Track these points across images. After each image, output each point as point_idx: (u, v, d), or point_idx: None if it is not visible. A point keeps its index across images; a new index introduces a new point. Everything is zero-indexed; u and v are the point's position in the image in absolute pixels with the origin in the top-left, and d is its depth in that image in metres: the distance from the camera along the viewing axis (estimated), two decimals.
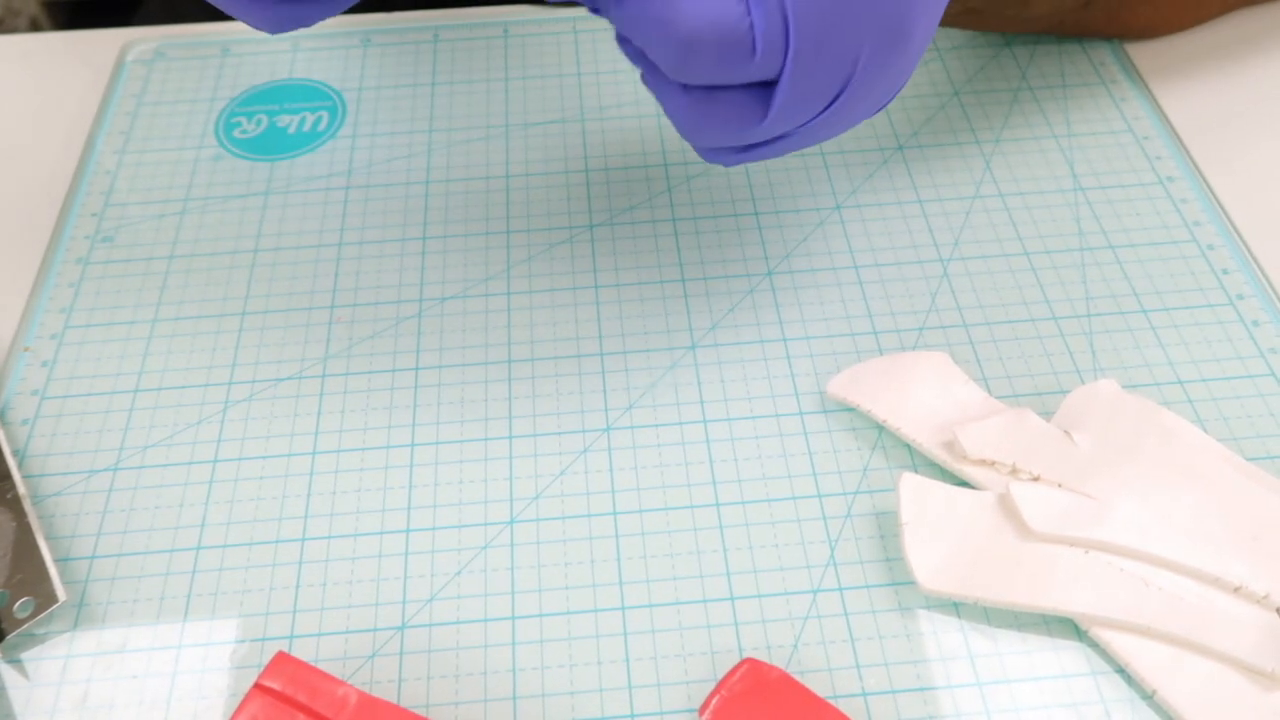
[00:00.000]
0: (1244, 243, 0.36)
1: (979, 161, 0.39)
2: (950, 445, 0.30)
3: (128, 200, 0.38)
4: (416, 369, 0.33)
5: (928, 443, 0.30)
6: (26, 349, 0.34)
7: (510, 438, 0.31)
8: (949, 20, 0.39)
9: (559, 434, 0.31)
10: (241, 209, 0.38)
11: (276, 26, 0.28)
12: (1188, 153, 0.39)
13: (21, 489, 0.30)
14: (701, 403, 0.32)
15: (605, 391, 0.32)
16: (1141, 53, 0.42)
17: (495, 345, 0.33)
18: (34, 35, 0.45)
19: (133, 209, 0.38)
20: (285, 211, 0.37)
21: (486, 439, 0.31)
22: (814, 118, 0.27)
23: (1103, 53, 0.43)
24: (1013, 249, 0.36)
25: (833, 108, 0.26)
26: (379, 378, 0.33)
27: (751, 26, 0.25)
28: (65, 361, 0.33)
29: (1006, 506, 0.28)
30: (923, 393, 0.31)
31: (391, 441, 0.31)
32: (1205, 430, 0.31)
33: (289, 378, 0.33)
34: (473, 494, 0.30)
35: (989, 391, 0.32)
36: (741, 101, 0.26)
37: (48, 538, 0.29)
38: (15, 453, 0.31)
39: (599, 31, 0.44)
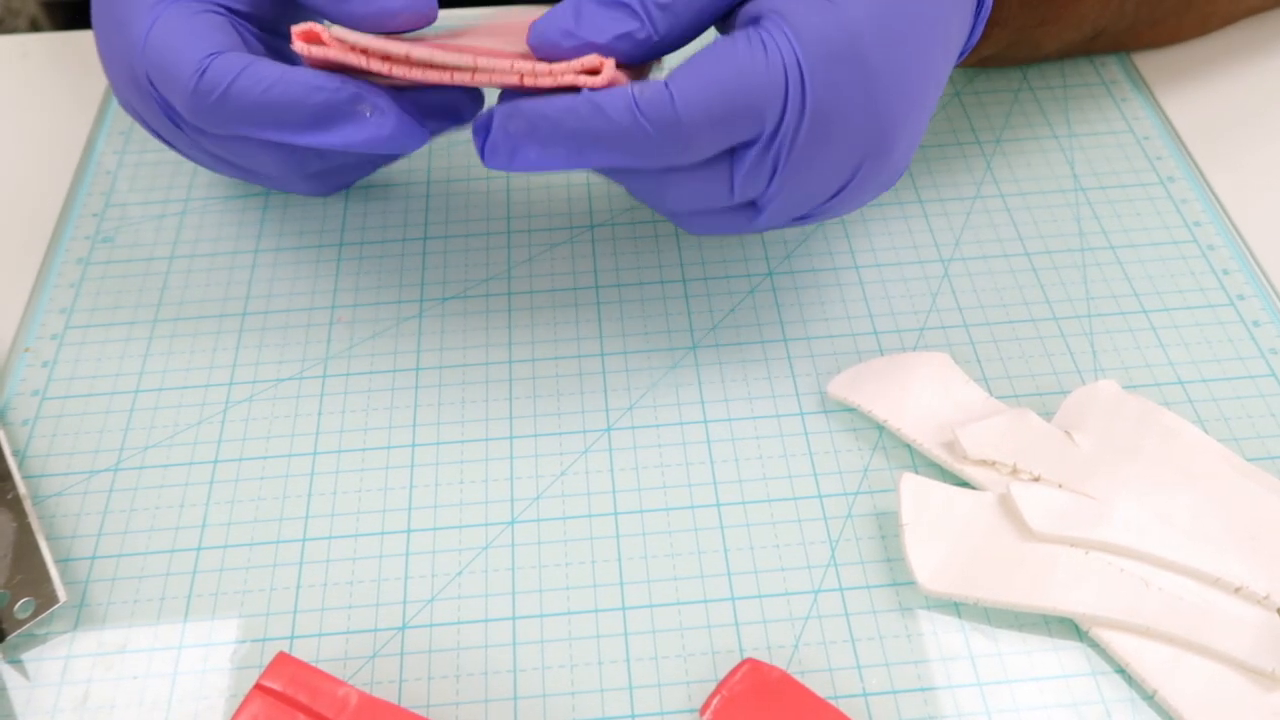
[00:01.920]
0: (1244, 243, 0.36)
1: (980, 162, 0.39)
2: (951, 445, 0.30)
3: (128, 200, 0.38)
4: (417, 369, 0.33)
5: (928, 443, 0.30)
6: (27, 350, 0.34)
7: (511, 438, 0.31)
8: (961, 63, 0.39)
9: (560, 434, 0.31)
10: (242, 209, 0.38)
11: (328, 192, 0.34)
12: (1188, 153, 0.39)
13: (22, 489, 0.30)
14: (702, 403, 0.32)
15: (606, 391, 0.32)
16: (1143, 55, 0.42)
17: (496, 346, 0.33)
18: (34, 35, 0.45)
19: (133, 209, 0.38)
20: (286, 212, 0.37)
21: (487, 439, 0.31)
22: (800, 217, 0.29)
23: (1104, 54, 0.43)
24: (1014, 249, 0.36)
25: (820, 210, 0.29)
26: (380, 378, 0.33)
27: (732, 179, 0.27)
28: (66, 362, 0.33)
29: (1007, 507, 0.28)
30: (923, 393, 0.31)
31: (392, 442, 0.31)
32: (1205, 430, 0.31)
33: (290, 378, 0.33)
34: (473, 494, 0.30)
35: (989, 392, 0.32)
36: (728, 216, 0.29)
37: (48, 538, 0.29)
38: (16, 453, 0.31)
39: None
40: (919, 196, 0.38)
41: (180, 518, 0.30)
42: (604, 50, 0.26)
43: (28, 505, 0.29)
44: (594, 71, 0.26)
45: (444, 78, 0.27)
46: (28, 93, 0.42)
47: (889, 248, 0.36)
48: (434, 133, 0.29)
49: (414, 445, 0.31)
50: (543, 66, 0.26)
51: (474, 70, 0.27)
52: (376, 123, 0.27)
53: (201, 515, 0.30)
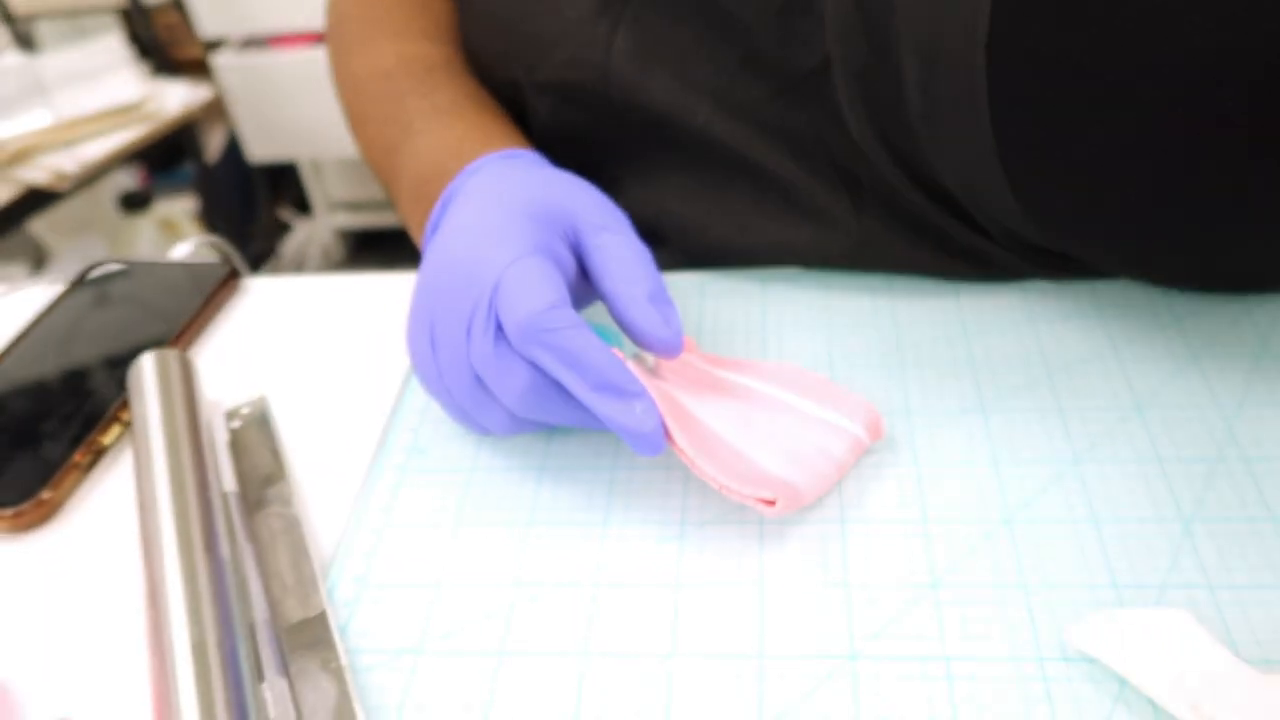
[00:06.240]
0: None
1: (1220, 424, 0.40)
2: (1196, 707, 0.30)
3: (440, 419, 0.45)
4: (677, 585, 0.37)
5: (1172, 702, 0.30)
6: (353, 541, 0.40)
7: (761, 657, 0.34)
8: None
9: (803, 657, 0.34)
10: (531, 435, 0.43)
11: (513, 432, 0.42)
12: None
13: (343, 660, 0.35)
14: (943, 639, 0.34)
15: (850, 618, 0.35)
16: None
17: (748, 569, 0.37)
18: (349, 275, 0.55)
19: (443, 426, 0.44)
20: (568, 436, 0.43)
21: (739, 655, 0.34)
22: None
23: None
24: (1258, 513, 0.36)
25: None
26: (643, 590, 0.37)
27: None
28: (382, 555, 0.39)
29: None
30: (1165, 649, 0.32)
31: (645, 650, 0.35)
32: None
33: (568, 583, 0.37)
34: (720, 714, 0.33)
35: (1236, 653, 0.32)
36: None
37: (363, 705, 0.34)
38: (339, 629, 0.36)
39: None
40: (1158, 454, 0.39)
41: (467, 708, 0.34)
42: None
43: (347, 675, 0.34)
44: (770, 503, 0.36)
45: (677, 451, 0.37)
46: (364, 322, 0.51)
47: (1129, 504, 0.37)
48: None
49: (673, 654, 0.34)
50: (733, 486, 0.36)
51: (693, 464, 0.37)
52: (639, 419, 0.36)
53: (484, 708, 0.34)
